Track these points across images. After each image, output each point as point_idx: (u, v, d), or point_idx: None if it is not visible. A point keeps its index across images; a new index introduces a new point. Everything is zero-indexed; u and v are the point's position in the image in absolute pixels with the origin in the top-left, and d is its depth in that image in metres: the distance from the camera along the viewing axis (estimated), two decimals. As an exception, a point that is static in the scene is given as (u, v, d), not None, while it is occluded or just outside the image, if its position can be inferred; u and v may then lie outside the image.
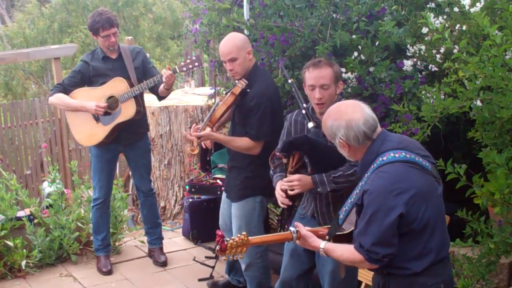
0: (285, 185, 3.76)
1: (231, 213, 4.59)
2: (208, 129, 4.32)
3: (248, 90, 4.29)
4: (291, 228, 3.03)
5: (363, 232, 2.81)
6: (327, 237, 3.04)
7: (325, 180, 3.71)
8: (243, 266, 4.62)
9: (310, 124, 3.81)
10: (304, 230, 3.04)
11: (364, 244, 2.80)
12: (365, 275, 4.31)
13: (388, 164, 2.82)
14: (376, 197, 2.77)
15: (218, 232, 2.88)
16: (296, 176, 3.77)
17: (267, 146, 4.24)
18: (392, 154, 2.84)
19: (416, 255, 2.84)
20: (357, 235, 2.84)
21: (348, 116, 2.90)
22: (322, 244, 2.99)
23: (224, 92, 5.39)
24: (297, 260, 4.01)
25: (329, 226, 3.14)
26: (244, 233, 2.94)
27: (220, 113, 4.34)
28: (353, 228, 3.00)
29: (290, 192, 3.76)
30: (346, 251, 2.92)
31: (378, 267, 2.90)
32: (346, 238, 3.02)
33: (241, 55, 4.27)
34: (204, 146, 4.68)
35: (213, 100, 5.71)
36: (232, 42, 4.29)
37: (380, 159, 2.84)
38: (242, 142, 4.35)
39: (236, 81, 4.32)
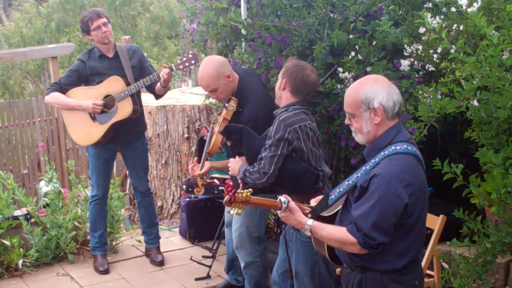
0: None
1: None
2: (207, 164, 4.40)
3: (240, 110, 4.23)
4: (282, 198, 2.94)
5: (364, 215, 2.76)
6: (309, 215, 2.99)
7: (241, 169, 3.90)
8: (242, 264, 4.62)
9: None
10: (293, 203, 2.96)
11: (363, 227, 2.76)
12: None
13: (401, 154, 2.80)
14: (387, 182, 2.74)
15: (229, 182, 2.86)
16: (232, 158, 4.04)
17: None
18: (405, 146, 2.83)
19: (401, 251, 2.84)
20: (356, 218, 2.79)
21: (388, 83, 2.88)
22: (309, 221, 2.92)
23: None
24: (284, 250, 4.03)
25: (310, 206, 3.12)
26: (250, 189, 2.90)
27: (218, 143, 4.31)
28: (332, 212, 3.00)
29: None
30: (337, 231, 2.87)
31: (354, 265, 2.91)
32: (325, 221, 2.98)
33: (221, 83, 4.18)
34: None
35: (210, 100, 5.70)
36: (207, 75, 4.17)
37: (393, 147, 2.82)
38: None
39: (226, 104, 4.25)
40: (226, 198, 2.82)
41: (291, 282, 4.00)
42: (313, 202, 3.21)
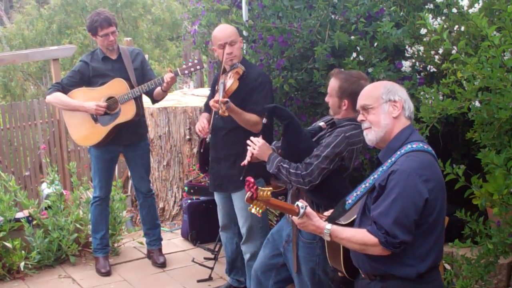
0: (251, 141, 3.84)
1: (233, 206, 4.59)
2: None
3: (246, 75, 4.37)
4: (299, 204, 2.85)
5: (385, 212, 2.72)
6: (326, 221, 2.92)
7: (275, 161, 3.74)
8: (247, 256, 4.63)
9: (321, 123, 3.88)
10: (309, 208, 2.89)
11: (384, 224, 2.71)
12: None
13: (418, 152, 2.81)
14: (407, 177, 2.72)
15: (250, 179, 2.78)
16: (261, 140, 3.82)
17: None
18: (421, 145, 2.84)
19: (423, 253, 2.81)
20: (376, 217, 2.75)
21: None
22: (328, 225, 2.85)
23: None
24: (271, 249, 4.03)
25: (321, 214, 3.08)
26: (270, 188, 2.82)
27: (235, 86, 4.30)
28: (349, 221, 2.97)
29: (251, 150, 3.85)
30: (358, 233, 2.82)
31: (374, 274, 2.87)
32: None
33: (239, 40, 4.47)
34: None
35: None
36: (231, 28, 4.51)
37: (409, 146, 2.82)
38: (252, 116, 4.33)
39: (235, 65, 4.36)
40: (248, 194, 2.74)
41: (273, 281, 4.02)
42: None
